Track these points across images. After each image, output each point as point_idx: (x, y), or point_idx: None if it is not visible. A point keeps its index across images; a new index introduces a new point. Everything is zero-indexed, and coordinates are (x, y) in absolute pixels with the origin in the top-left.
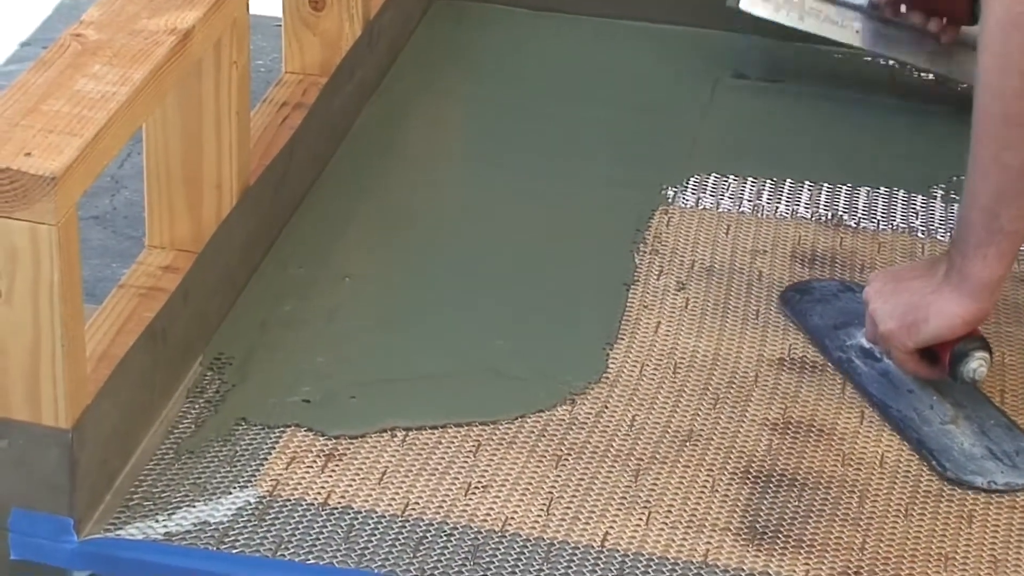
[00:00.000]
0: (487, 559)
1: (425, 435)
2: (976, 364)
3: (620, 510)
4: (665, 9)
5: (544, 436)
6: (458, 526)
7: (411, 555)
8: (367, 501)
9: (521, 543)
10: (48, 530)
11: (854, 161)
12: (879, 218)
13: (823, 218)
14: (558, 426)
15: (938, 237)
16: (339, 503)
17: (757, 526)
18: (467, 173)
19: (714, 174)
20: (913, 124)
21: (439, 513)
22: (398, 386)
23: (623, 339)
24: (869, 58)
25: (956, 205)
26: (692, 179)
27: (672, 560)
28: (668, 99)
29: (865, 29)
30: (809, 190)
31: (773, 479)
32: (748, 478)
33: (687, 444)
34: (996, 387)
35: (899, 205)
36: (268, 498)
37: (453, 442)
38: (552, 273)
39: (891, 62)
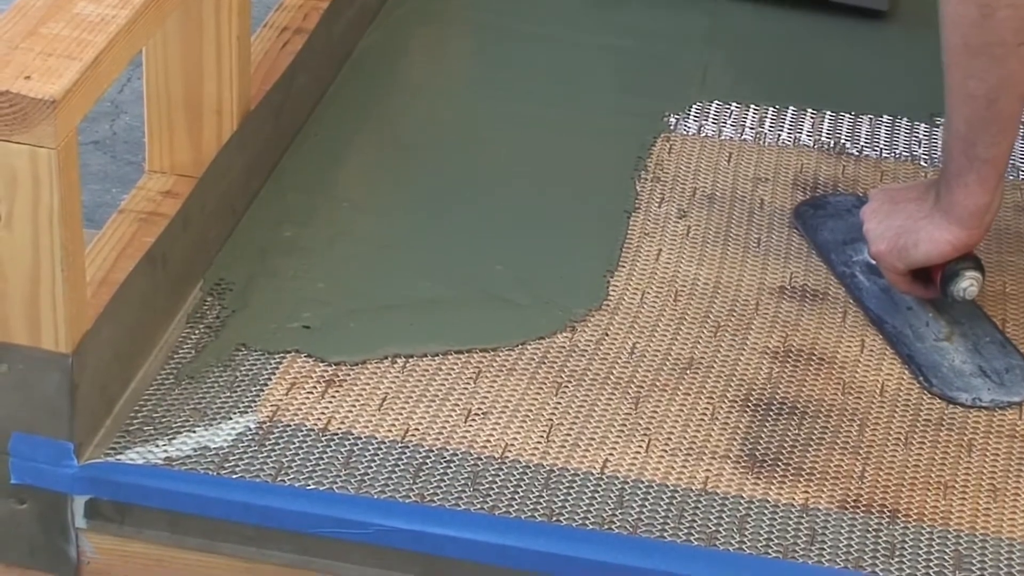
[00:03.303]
0: (486, 485)
1: (425, 362)
2: (967, 283)
3: (620, 437)
4: None
5: (544, 363)
6: (458, 452)
7: (411, 481)
8: (367, 427)
9: (521, 470)
10: (48, 454)
11: (858, 89)
12: (882, 146)
13: (826, 146)
14: (558, 353)
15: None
16: (339, 429)
17: (757, 454)
18: (468, 99)
19: (716, 101)
20: (920, 53)
21: (439, 439)
22: (398, 312)
23: (624, 266)
24: None
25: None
26: (694, 106)
27: (671, 487)
28: (671, 26)
29: None
30: (812, 118)
31: (773, 407)
32: (748, 406)
33: (687, 372)
34: (998, 316)
35: (902, 133)
36: (268, 424)
37: (453, 368)
38: (553, 200)
39: None
